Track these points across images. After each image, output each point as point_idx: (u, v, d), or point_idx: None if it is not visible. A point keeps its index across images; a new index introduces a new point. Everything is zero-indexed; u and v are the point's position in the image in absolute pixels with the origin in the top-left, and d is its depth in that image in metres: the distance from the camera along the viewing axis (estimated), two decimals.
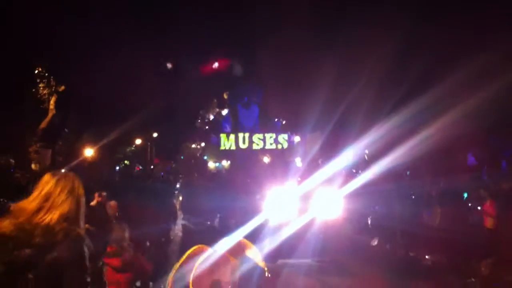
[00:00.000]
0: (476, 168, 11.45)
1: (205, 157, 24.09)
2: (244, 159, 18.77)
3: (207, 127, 27.46)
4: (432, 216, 9.52)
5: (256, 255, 2.96)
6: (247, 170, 13.91)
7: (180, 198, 13.32)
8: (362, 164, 12.06)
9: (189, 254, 2.61)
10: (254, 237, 9.60)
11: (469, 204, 9.77)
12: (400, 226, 9.75)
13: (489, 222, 8.88)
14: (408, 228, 9.53)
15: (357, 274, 8.21)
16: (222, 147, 20.03)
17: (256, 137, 20.35)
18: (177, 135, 26.37)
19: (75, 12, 14.82)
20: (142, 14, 18.50)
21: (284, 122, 23.71)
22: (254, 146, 20.12)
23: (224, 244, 2.85)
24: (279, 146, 20.26)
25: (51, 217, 2.27)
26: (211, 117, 28.17)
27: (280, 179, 11.39)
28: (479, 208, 9.40)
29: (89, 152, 17.85)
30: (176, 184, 16.25)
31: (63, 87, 17.05)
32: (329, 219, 9.88)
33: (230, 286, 2.63)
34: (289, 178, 11.43)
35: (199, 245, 2.66)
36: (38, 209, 2.27)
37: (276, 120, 23.76)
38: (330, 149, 13.47)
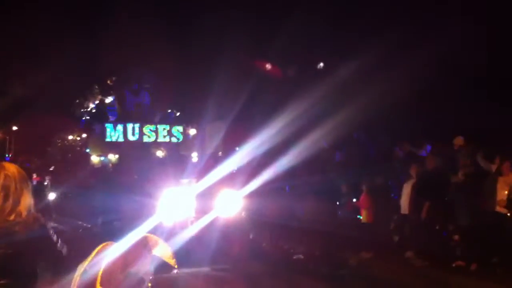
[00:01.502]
0: (343, 164, 12.51)
1: (87, 150, 22.55)
2: (134, 153, 17.86)
3: (88, 117, 25.81)
4: (305, 211, 10.25)
5: (164, 251, 2.92)
6: (137, 165, 13.19)
7: (51, 197, 12.19)
8: (261, 160, 12.25)
9: (96, 252, 2.59)
10: None
11: (339, 199, 10.89)
12: (276, 221, 10.10)
13: (364, 215, 10.00)
14: (283, 223, 10.06)
15: (258, 284, 8.09)
16: (107, 139, 18.88)
17: (148, 128, 19.55)
18: (45, 126, 24.42)
19: None
20: None
21: (178, 113, 23.09)
22: (145, 139, 19.34)
23: (130, 240, 2.80)
24: (173, 139, 19.67)
25: (20, 212, 2.38)
26: (92, 105, 26.56)
27: (175, 175, 10.94)
28: (354, 200, 10.49)
29: None
30: (44, 181, 14.90)
31: None
32: (228, 219, 9.67)
33: (151, 277, 2.68)
34: (185, 174, 11.02)
35: (107, 242, 2.64)
36: (2, 210, 2.35)
37: (169, 111, 23.04)
38: (231, 142, 13.33)
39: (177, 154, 18.28)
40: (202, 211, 9.53)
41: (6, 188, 2.41)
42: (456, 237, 8.63)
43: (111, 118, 22.21)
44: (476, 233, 8.16)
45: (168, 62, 19.56)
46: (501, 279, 7.37)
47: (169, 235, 9.01)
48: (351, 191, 10.67)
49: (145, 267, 2.71)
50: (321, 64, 17.77)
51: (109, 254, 2.66)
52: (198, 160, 15.38)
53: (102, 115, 23.21)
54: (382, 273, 8.25)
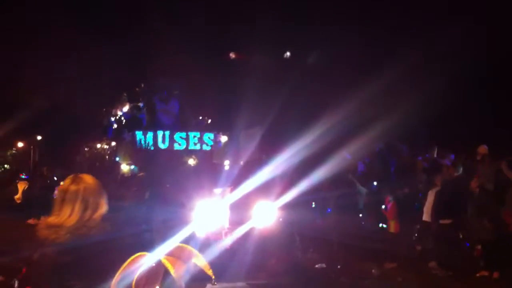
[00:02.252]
0: (366, 176, 12.84)
1: (117, 159, 22.84)
2: (165, 161, 18.04)
3: (116, 125, 26.18)
4: (331, 223, 10.53)
5: (201, 261, 3.18)
6: (168, 173, 13.26)
7: None
8: (294, 170, 12.42)
9: (130, 262, 2.84)
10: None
11: (363, 210, 11.37)
12: (307, 233, 10.36)
13: (391, 226, 10.38)
14: (313, 235, 10.41)
15: None
16: (137, 147, 19.13)
17: (178, 135, 19.72)
18: (71, 135, 24.90)
19: None
20: None
21: (209, 120, 23.19)
22: (176, 146, 19.49)
23: (164, 250, 3.08)
24: (204, 147, 19.77)
25: (96, 219, 2.81)
26: (120, 113, 26.94)
27: (208, 184, 10.92)
28: (383, 207, 10.77)
29: None
30: None
31: None
32: (263, 231, 9.56)
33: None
34: (218, 183, 10.98)
35: (141, 253, 2.89)
36: (81, 219, 2.75)
37: (200, 118, 23.18)
38: (266, 150, 13.32)
39: (210, 162, 18.34)
40: (236, 222, 9.46)
41: (85, 199, 2.81)
42: (479, 247, 8.99)
43: (141, 126, 22.52)
44: (499, 243, 8.44)
45: (198, 68, 19.71)
46: None
47: (202, 247, 8.95)
48: (374, 202, 10.95)
49: (177, 278, 2.91)
50: (288, 54, 17.92)
51: (142, 264, 2.87)
52: (231, 169, 15.34)
53: (131, 123, 23.54)
54: (404, 283, 8.56)
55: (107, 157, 23.50)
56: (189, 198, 10.34)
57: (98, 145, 26.08)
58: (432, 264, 9.33)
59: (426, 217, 9.79)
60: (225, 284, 8.18)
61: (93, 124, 25.97)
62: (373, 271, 8.96)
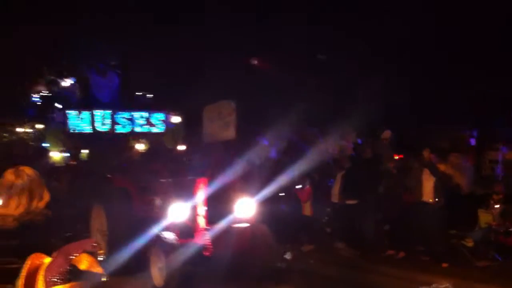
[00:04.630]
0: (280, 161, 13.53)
1: (44, 144, 21.18)
2: (106, 147, 16.75)
3: (40, 103, 24.39)
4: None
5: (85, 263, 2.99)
6: (112, 162, 11.99)
7: None
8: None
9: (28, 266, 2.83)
10: (139, 263, 7.89)
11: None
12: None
13: (305, 209, 11.50)
14: None
15: None
16: (71, 130, 17.76)
17: (120, 116, 18.50)
18: None
19: None
20: None
21: (152, 96, 21.90)
22: (119, 129, 18.28)
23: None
24: (154, 129, 18.66)
25: (41, 207, 3.20)
26: (45, 90, 25.23)
27: (167, 174, 9.81)
28: (297, 187, 11.67)
29: None
30: None
31: None
32: (245, 230, 8.63)
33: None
34: (182, 173, 9.88)
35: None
36: (28, 208, 3.15)
37: (143, 94, 21.90)
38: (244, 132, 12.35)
39: (163, 147, 17.15)
40: (211, 220, 8.47)
41: (31, 191, 3.14)
42: (387, 226, 10.31)
43: (71, 105, 20.96)
44: (403, 223, 9.71)
45: (140, 36, 18.50)
46: (426, 267, 8.72)
47: (171, 251, 7.90)
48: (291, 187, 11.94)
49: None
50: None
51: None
52: (194, 156, 14.15)
53: (60, 101, 21.88)
54: (315, 264, 9.57)
55: (31, 143, 21.82)
56: (144, 191, 9.26)
57: (19, 129, 24.31)
58: (340, 244, 10.47)
59: (334, 198, 11.03)
60: None
61: (10, 105, 24.08)
62: (285, 256, 9.49)
